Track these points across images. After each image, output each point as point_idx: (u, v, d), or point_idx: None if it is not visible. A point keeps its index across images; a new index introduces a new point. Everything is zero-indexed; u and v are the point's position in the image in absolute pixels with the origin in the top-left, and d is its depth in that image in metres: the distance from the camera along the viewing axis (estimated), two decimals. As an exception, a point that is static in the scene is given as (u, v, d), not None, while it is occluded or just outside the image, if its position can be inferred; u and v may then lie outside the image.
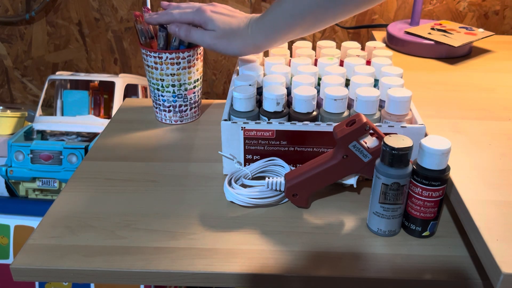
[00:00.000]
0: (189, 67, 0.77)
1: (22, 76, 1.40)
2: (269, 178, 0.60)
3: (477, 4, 1.18)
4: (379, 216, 0.55)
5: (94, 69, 1.38)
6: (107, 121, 1.17)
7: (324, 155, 0.58)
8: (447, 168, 0.51)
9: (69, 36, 1.33)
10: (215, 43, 0.68)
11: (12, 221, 1.08)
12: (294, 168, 0.63)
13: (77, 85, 1.27)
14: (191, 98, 0.80)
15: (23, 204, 1.10)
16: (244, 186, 0.62)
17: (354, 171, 0.57)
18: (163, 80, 0.77)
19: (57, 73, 1.25)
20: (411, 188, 0.53)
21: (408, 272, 0.51)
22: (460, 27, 1.00)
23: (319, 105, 0.66)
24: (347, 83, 0.70)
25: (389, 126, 0.60)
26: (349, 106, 0.66)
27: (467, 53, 0.95)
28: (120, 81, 1.21)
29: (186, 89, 0.78)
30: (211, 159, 0.71)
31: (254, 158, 0.65)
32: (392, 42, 0.99)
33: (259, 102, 0.67)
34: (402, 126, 0.60)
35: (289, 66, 0.76)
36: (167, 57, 0.74)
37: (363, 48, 0.79)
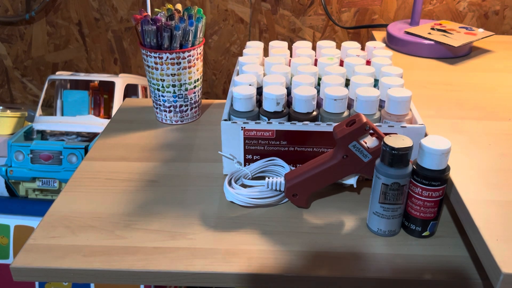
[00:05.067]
0: (189, 67, 0.77)
1: (22, 76, 1.40)
2: (269, 178, 0.60)
3: (477, 4, 1.18)
4: (379, 216, 0.55)
5: (94, 69, 1.38)
6: (107, 121, 1.17)
7: (324, 155, 0.58)
8: (447, 168, 0.51)
9: (69, 36, 1.33)
10: None
11: (12, 221, 1.08)
12: (294, 168, 0.63)
13: (77, 85, 1.27)
14: (191, 98, 0.80)
15: (23, 204, 1.10)
16: (244, 186, 0.62)
17: (354, 171, 0.57)
18: (164, 80, 0.77)
19: (57, 73, 1.25)
20: (411, 188, 0.53)
21: (408, 272, 0.51)
22: (460, 27, 1.00)
23: (319, 105, 0.66)
24: (347, 83, 0.70)
25: (389, 126, 0.60)
26: (349, 106, 0.66)
27: (467, 53, 0.95)
28: (120, 81, 1.21)
29: (186, 89, 0.78)
30: (211, 159, 0.71)
31: (254, 158, 0.65)
32: (392, 42, 0.99)
33: (259, 102, 0.67)
34: (402, 126, 0.60)
35: (289, 66, 0.76)
36: (167, 57, 0.74)
37: (363, 48, 0.79)
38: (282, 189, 0.59)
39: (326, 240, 0.56)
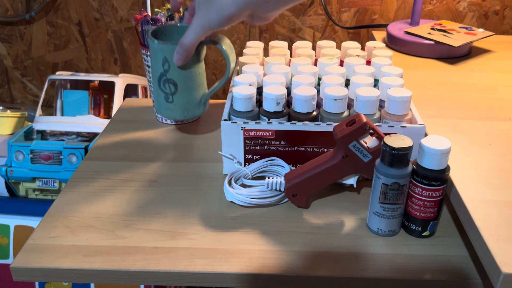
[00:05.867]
0: (189, 67, 0.77)
1: (22, 76, 1.40)
2: (269, 178, 0.60)
3: (477, 4, 1.18)
4: (379, 216, 0.55)
5: (94, 69, 1.38)
6: (107, 121, 1.17)
7: (324, 155, 0.58)
8: (447, 168, 0.51)
9: (69, 36, 1.33)
10: (194, 18, 0.57)
11: (12, 221, 1.08)
12: (294, 168, 0.63)
13: (77, 85, 1.27)
14: (191, 98, 0.80)
15: (23, 204, 1.10)
16: (244, 186, 0.62)
17: (354, 171, 0.57)
18: (163, 80, 0.76)
19: (57, 73, 1.25)
20: (411, 188, 0.53)
21: (408, 272, 0.51)
22: (460, 27, 1.00)
23: (319, 105, 0.66)
24: (347, 83, 0.70)
25: (389, 126, 0.60)
26: (349, 106, 0.66)
27: (467, 53, 0.95)
28: (120, 81, 1.21)
29: (186, 89, 0.78)
30: (211, 159, 0.71)
31: (254, 158, 0.65)
32: (392, 42, 0.99)
33: (259, 102, 0.67)
34: (402, 126, 0.60)
35: (289, 66, 0.76)
36: (167, 57, 0.74)
37: (363, 48, 0.79)
38: (282, 189, 0.59)
39: (326, 240, 0.56)
